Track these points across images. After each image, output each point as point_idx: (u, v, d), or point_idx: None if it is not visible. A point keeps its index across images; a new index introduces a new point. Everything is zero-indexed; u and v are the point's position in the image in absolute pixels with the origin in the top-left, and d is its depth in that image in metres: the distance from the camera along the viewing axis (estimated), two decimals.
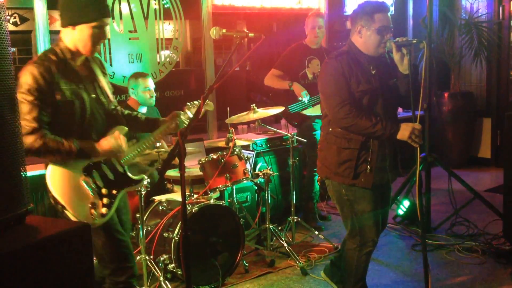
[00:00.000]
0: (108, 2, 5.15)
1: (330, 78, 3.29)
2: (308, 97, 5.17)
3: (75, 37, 2.84)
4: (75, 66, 2.91)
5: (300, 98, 5.16)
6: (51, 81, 2.76)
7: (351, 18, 3.36)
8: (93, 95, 2.96)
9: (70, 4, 2.82)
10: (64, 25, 2.85)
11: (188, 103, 3.34)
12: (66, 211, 2.76)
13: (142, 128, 3.32)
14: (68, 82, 2.83)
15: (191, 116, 3.21)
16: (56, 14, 2.96)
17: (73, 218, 2.76)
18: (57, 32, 3.03)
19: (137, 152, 3.12)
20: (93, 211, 2.82)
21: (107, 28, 2.90)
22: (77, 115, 2.85)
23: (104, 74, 3.12)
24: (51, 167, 2.80)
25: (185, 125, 3.13)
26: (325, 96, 3.35)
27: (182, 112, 3.24)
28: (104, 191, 2.90)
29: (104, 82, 3.08)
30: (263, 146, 5.47)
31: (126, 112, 3.28)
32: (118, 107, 3.25)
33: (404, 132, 3.21)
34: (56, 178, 2.79)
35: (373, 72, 3.28)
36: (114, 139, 2.94)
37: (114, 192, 2.95)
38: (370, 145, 3.28)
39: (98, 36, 2.86)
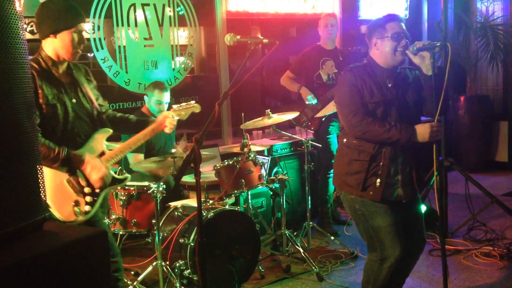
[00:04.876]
0: (123, 10, 5.24)
1: (344, 88, 3.31)
2: (315, 100, 5.26)
3: (56, 45, 2.98)
4: (56, 73, 3.03)
5: (307, 102, 5.29)
6: (33, 86, 2.83)
7: (367, 36, 3.37)
8: (74, 100, 3.06)
9: (48, 14, 2.97)
10: (44, 35, 2.99)
11: (175, 106, 3.41)
12: (50, 209, 2.81)
13: (133, 129, 3.39)
14: (50, 88, 2.96)
15: (177, 117, 3.33)
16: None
17: (57, 216, 2.88)
18: None
19: (117, 159, 3.20)
20: (76, 208, 2.95)
21: (84, 33, 3.06)
22: (60, 118, 2.97)
23: (89, 81, 3.24)
24: None
25: (171, 126, 3.27)
26: (340, 106, 3.36)
27: (170, 112, 3.32)
28: (87, 190, 3.01)
29: (88, 88, 3.19)
30: (278, 151, 5.47)
31: (119, 114, 3.41)
32: (109, 111, 3.36)
33: (423, 134, 3.16)
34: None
35: (389, 85, 3.26)
36: (100, 164, 3.05)
37: (97, 190, 3.06)
38: (380, 158, 3.24)
39: (78, 41, 3.00)
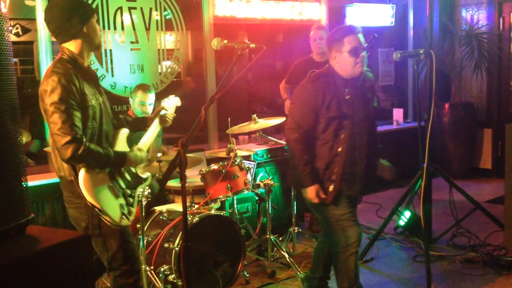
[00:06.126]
0: (110, 13, 5.22)
1: (298, 102, 3.53)
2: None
3: (86, 38, 2.91)
4: (88, 69, 2.98)
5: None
6: (79, 87, 2.81)
7: (327, 47, 3.52)
8: (101, 99, 3.02)
9: (70, 10, 2.85)
10: (75, 32, 2.87)
11: (162, 101, 3.59)
12: (103, 215, 2.86)
13: (133, 128, 3.44)
14: (88, 87, 2.89)
15: (166, 104, 3.51)
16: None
17: (109, 220, 2.88)
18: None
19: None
20: (123, 211, 2.97)
21: None
22: (98, 119, 2.93)
23: None
24: (83, 173, 2.84)
25: (170, 118, 3.46)
26: (290, 112, 3.58)
27: (161, 105, 3.49)
28: (128, 191, 3.06)
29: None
30: (264, 156, 5.47)
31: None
32: None
33: (307, 192, 3.43)
34: (88, 184, 2.85)
35: (347, 97, 3.41)
36: (140, 151, 3.11)
37: (133, 192, 3.12)
38: (334, 166, 3.43)
39: (98, 26, 3.01)
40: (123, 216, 2.96)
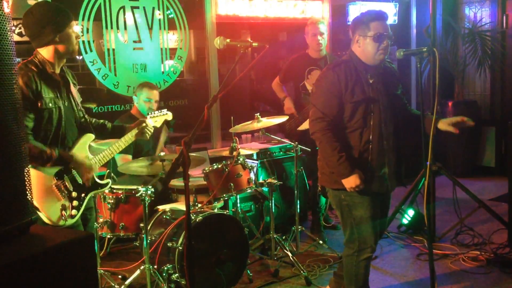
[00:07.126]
0: (113, 13, 5.22)
1: (321, 90, 3.40)
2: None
3: (59, 45, 3.02)
4: (55, 75, 3.07)
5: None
6: (34, 89, 2.93)
7: (350, 29, 3.45)
8: (66, 103, 3.13)
9: (46, 18, 2.97)
10: (47, 41, 3.00)
11: (149, 113, 3.70)
12: (38, 212, 2.92)
13: (110, 135, 3.53)
14: (48, 91, 3.00)
15: (153, 124, 3.59)
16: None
17: (45, 219, 2.95)
18: None
19: (102, 162, 3.35)
20: (63, 212, 3.04)
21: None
22: (55, 122, 3.03)
23: (74, 84, 3.31)
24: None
25: (149, 132, 3.53)
26: (312, 104, 3.43)
27: (146, 120, 3.55)
28: (74, 194, 3.11)
29: (74, 92, 3.26)
30: (267, 155, 5.46)
31: (94, 120, 3.50)
32: (86, 116, 3.42)
33: (349, 181, 3.26)
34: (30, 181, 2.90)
35: (371, 81, 3.33)
36: (88, 161, 3.19)
37: (83, 195, 3.18)
38: (368, 154, 3.33)
39: (76, 35, 3.10)
40: (62, 218, 3.03)
